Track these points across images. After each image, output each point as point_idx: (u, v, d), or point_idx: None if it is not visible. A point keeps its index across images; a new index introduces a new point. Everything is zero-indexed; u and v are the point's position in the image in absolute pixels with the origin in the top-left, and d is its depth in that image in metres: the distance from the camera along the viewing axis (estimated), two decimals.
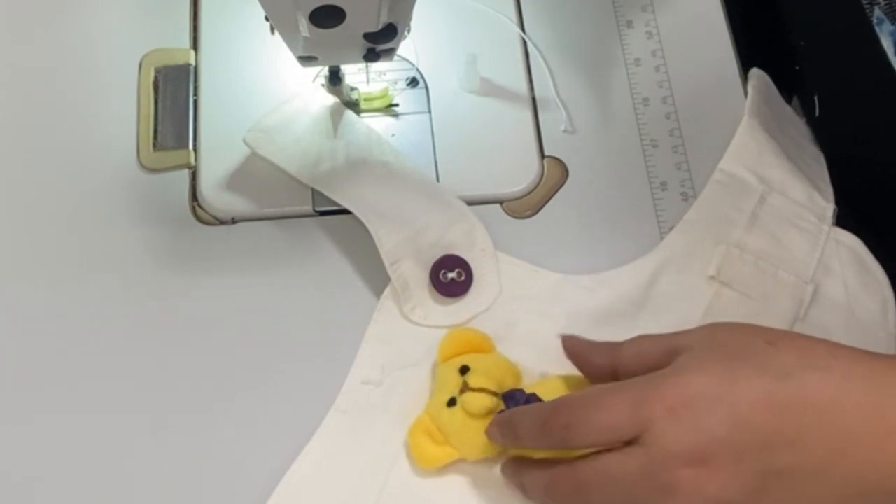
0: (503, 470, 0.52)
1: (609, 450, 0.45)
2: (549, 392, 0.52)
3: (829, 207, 0.60)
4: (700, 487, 0.42)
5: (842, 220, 0.60)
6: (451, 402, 0.52)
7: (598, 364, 0.50)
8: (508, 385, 0.53)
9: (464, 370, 0.53)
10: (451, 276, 0.57)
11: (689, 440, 0.43)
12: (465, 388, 0.52)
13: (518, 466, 0.51)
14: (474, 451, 0.52)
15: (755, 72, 0.64)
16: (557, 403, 0.47)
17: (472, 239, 0.59)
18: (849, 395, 0.43)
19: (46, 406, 0.55)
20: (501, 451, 0.52)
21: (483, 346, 0.56)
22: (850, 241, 0.59)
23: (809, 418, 0.42)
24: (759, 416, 0.43)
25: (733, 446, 0.42)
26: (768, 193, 0.60)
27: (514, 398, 0.51)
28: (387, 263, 0.57)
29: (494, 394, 0.51)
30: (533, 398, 0.51)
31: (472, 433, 0.52)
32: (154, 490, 0.54)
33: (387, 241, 0.57)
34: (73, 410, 0.55)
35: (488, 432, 0.51)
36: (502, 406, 0.52)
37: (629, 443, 0.44)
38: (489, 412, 0.51)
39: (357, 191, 0.59)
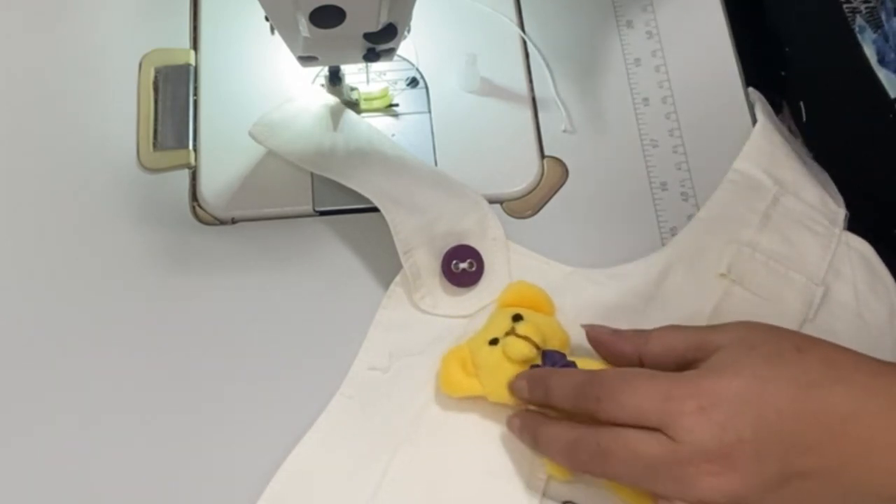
0: (511, 421, 0.53)
1: (633, 426, 0.47)
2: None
3: (840, 212, 0.60)
4: (720, 483, 0.45)
5: (853, 226, 0.60)
6: (494, 342, 0.54)
7: (624, 352, 0.52)
8: (552, 347, 0.54)
9: (516, 318, 0.54)
10: (462, 267, 0.58)
11: (717, 439, 0.45)
12: (511, 332, 0.53)
13: (534, 420, 0.52)
14: (498, 392, 0.53)
15: (753, 91, 0.64)
16: (594, 376, 0.50)
17: (484, 228, 0.59)
18: (867, 408, 0.45)
19: (47, 405, 0.55)
20: (520, 402, 0.53)
21: (544, 306, 0.57)
22: (861, 247, 0.59)
23: (829, 427, 0.45)
24: (784, 422, 0.45)
25: (757, 447, 0.45)
26: (782, 195, 0.60)
27: (552, 358, 0.53)
28: (400, 251, 0.57)
29: (537, 346, 0.53)
30: (571, 365, 0.53)
31: (502, 375, 0.53)
32: (162, 478, 0.54)
33: (402, 228, 0.57)
34: (74, 410, 0.55)
35: (515, 385, 0.52)
36: (539, 361, 0.53)
37: (653, 428, 0.46)
38: (525, 361, 0.53)
39: (371, 178, 0.59)
